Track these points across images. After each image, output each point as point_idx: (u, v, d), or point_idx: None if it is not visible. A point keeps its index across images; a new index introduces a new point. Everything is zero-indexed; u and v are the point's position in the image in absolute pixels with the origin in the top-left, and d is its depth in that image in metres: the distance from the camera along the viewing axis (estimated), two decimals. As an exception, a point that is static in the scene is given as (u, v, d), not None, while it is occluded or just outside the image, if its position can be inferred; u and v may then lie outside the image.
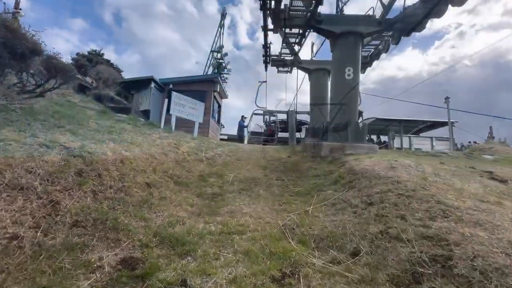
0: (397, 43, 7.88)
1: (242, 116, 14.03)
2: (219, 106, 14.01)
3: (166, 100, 6.04)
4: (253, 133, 16.67)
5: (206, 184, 3.99)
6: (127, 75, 16.87)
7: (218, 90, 12.10)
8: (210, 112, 11.57)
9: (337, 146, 5.76)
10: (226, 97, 14.48)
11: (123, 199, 2.69)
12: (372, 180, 3.38)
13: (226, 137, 14.81)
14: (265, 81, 18.57)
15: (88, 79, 9.26)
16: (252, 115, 17.41)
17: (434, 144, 15.88)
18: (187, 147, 5.31)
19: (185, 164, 4.47)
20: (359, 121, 7.99)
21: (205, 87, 11.81)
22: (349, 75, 6.09)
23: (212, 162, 5.12)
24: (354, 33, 6.67)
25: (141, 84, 10.98)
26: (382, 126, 17.35)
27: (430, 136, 16.50)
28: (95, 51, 15.14)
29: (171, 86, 11.53)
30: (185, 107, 6.31)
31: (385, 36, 8.47)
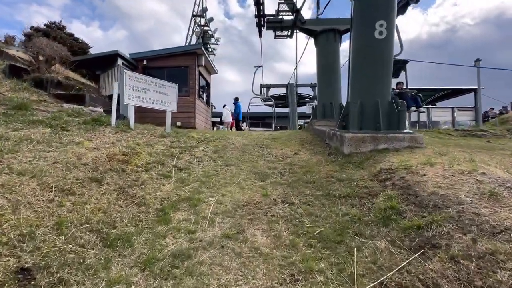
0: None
1: (236, 99, 12.05)
2: (207, 84, 12.01)
3: (116, 84, 4.19)
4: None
5: (165, 230, 2.39)
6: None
7: (203, 64, 10.05)
8: (196, 92, 9.68)
9: (365, 138, 4.09)
10: (215, 72, 12.40)
11: None
12: (471, 230, 1.77)
13: (219, 121, 13.07)
14: (261, 66, 17.11)
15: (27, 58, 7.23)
16: (249, 104, 16.80)
17: (455, 115, 14.13)
18: (147, 154, 3.64)
19: (135, 190, 2.84)
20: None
21: (187, 61, 9.76)
22: (381, 32, 4.19)
23: (185, 176, 3.48)
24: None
25: (107, 62, 8.94)
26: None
27: (450, 106, 14.68)
28: (53, 23, 12.67)
29: (145, 62, 9.50)
30: (147, 91, 4.50)
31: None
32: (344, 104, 7.71)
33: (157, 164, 3.51)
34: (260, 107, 20.02)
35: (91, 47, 13.51)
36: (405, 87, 8.01)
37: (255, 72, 17.35)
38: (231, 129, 11.82)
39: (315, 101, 21.97)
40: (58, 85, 6.31)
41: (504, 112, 15.85)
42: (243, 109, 13.92)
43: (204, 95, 11.52)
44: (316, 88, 21.46)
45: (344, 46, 29.31)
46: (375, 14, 4.22)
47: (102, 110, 5.87)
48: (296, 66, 16.33)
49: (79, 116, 4.20)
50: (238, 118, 13.04)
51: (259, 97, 16.32)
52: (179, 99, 9.81)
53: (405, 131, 4.22)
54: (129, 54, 9.44)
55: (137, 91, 4.33)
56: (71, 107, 5.04)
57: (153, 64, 9.78)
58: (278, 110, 23.82)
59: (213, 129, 11.95)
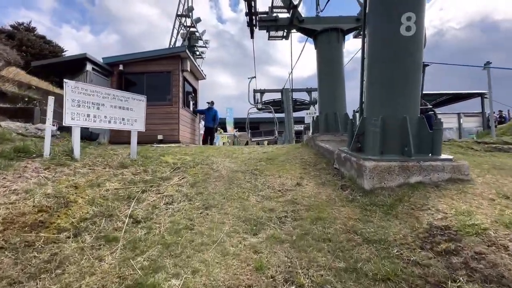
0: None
1: (210, 103, 10.70)
2: (195, 91, 10.94)
3: (52, 99, 3.07)
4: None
5: None
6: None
7: (188, 69, 8.99)
8: (180, 101, 8.60)
9: (392, 168, 3.07)
10: (203, 77, 11.36)
11: None
12: None
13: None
14: (254, 77, 17.24)
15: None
16: (248, 115, 17.47)
17: (461, 121, 13.41)
18: (87, 202, 2.53)
19: (42, 282, 1.73)
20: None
21: (169, 65, 8.70)
22: (408, 28, 3.22)
23: (142, 235, 2.38)
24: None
25: (75, 67, 7.78)
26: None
27: (456, 112, 13.96)
28: (21, 24, 11.43)
29: (121, 67, 8.39)
30: (102, 107, 3.39)
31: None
32: (350, 114, 6.76)
33: (99, 219, 2.41)
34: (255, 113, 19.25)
35: (65, 51, 12.32)
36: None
37: (249, 83, 17.36)
38: (203, 143, 10.49)
39: (312, 107, 21.16)
40: (1, 97, 5.15)
41: (501, 111, 15.19)
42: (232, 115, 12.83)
43: (191, 103, 10.44)
44: (311, 93, 20.68)
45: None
46: (401, 5, 3.25)
47: (56, 128, 4.72)
48: (291, 71, 15.42)
49: (3, 143, 3.07)
50: (213, 128, 10.89)
51: (255, 106, 16.22)
52: (161, 109, 8.72)
53: (443, 157, 3.23)
54: (102, 58, 8.32)
55: (85, 107, 3.24)
56: (8, 126, 3.89)
57: (130, 69, 8.68)
58: (271, 115, 22.96)
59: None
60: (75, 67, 7.72)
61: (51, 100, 2.99)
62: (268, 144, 21.12)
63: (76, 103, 3.12)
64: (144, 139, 8.29)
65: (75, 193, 2.54)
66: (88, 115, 3.25)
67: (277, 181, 3.90)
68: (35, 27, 11.64)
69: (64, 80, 3.04)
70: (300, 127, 31.01)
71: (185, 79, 9.40)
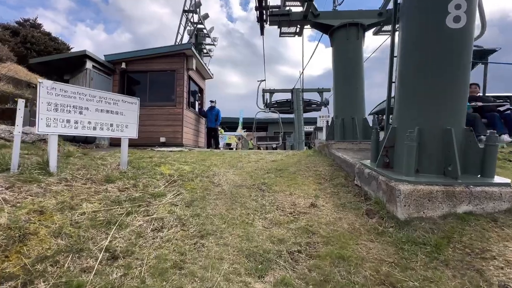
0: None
1: (214, 102, 10.16)
2: (200, 91, 10.49)
3: (22, 102, 2.62)
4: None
5: None
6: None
7: (194, 68, 8.53)
8: (184, 101, 8.15)
9: (433, 194, 2.47)
10: (210, 76, 10.90)
11: None
12: None
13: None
14: (264, 80, 17.08)
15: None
16: (255, 119, 17.65)
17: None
18: (52, 233, 2.06)
19: None
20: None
21: (174, 64, 8.26)
22: (457, 18, 2.59)
23: (116, 278, 1.88)
24: None
25: (75, 65, 7.46)
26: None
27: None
28: (27, 20, 11.27)
29: (123, 65, 8.02)
30: (86, 111, 2.93)
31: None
32: (369, 119, 6.11)
33: (65, 256, 1.92)
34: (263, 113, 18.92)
35: (71, 48, 12.10)
36: (480, 93, 5.36)
37: (258, 86, 17.28)
38: (208, 146, 10.01)
39: (323, 107, 20.42)
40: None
41: None
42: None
43: (196, 103, 10.00)
44: (323, 93, 19.92)
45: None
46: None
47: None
48: (302, 72, 14.77)
49: (-31, 153, 2.64)
50: (216, 130, 10.06)
51: (264, 111, 16.50)
52: (164, 110, 8.29)
53: (498, 180, 2.59)
54: (104, 55, 7.97)
55: (64, 111, 2.78)
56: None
57: (133, 67, 8.30)
58: (282, 115, 22.37)
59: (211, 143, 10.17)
60: (74, 65, 7.39)
61: (21, 103, 2.54)
62: (274, 148, 20.60)
63: (53, 107, 2.66)
64: (146, 142, 7.90)
65: (39, 220, 2.07)
66: (68, 121, 2.79)
67: (288, 200, 3.34)
68: (41, 24, 11.50)
69: (39, 79, 2.59)
70: (310, 128, 30.25)
71: (190, 78, 8.95)
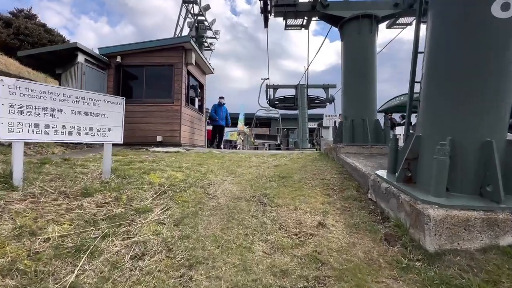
0: None
1: (220, 98, 9.96)
2: (201, 86, 10.05)
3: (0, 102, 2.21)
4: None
5: None
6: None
7: (193, 62, 8.07)
8: (182, 98, 7.74)
9: (471, 221, 2.04)
10: (211, 71, 10.43)
11: None
12: None
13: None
14: (268, 78, 16.87)
15: None
16: (255, 117, 17.67)
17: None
18: None
19: None
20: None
21: (172, 58, 7.81)
22: (506, 6, 2.11)
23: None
24: None
25: (67, 58, 7.05)
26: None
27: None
28: (21, 11, 10.84)
29: (118, 59, 7.60)
30: (58, 113, 2.52)
31: None
32: (380, 120, 5.63)
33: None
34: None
35: (66, 40, 11.67)
36: None
37: (261, 85, 17.20)
38: (211, 145, 9.73)
39: (328, 104, 19.85)
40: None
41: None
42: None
43: (196, 100, 9.57)
44: (328, 90, 19.32)
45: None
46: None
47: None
48: (307, 68, 14.23)
49: None
50: (216, 126, 9.72)
51: (265, 110, 16.70)
52: (161, 107, 7.88)
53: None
54: (98, 48, 7.54)
55: (31, 114, 2.37)
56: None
57: (129, 61, 7.87)
58: (284, 112, 21.90)
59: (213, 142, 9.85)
60: (66, 58, 6.98)
61: (2, 91, 2.14)
62: (278, 147, 20.19)
63: (17, 109, 2.26)
64: (142, 141, 7.52)
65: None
66: (37, 125, 2.39)
67: (292, 217, 2.93)
68: (36, 15, 11.07)
69: (1, 78, 2.19)
70: (314, 125, 29.67)
71: (189, 73, 8.51)
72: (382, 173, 3.26)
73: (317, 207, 3.15)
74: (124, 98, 3.11)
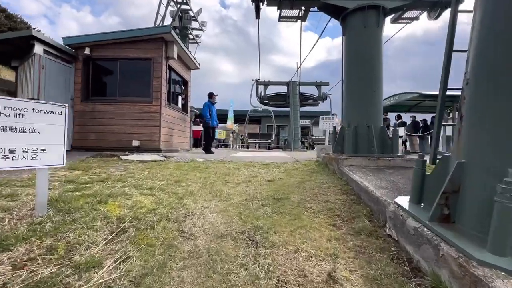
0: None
1: (211, 95, 8.52)
2: (185, 83, 9.18)
3: None
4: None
5: None
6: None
7: (174, 56, 7.19)
8: (162, 96, 6.89)
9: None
10: (196, 67, 9.55)
11: None
12: None
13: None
14: (259, 79, 16.61)
15: None
16: (248, 117, 18.17)
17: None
18: None
19: None
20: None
21: (150, 51, 6.91)
22: None
23: None
24: None
25: (22, 49, 6.00)
26: (429, 104, 12.93)
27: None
28: (-24, -7, 9.41)
29: (87, 51, 6.62)
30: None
31: None
32: (384, 124, 5.02)
33: None
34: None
35: (33, 28, 10.39)
36: None
37: (252, 86, 17.15)
38: (205, 149, 8.49)
39: (321, 102, 19.32)
40: None
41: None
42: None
43: (179, 98, 8.69)
44: (321, 87, 18.77)
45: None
46: None
47: None
48: (300, 65, 13.56)
49: None
50: (210, 127, 8.39)
51: (257, 109, 17.25)
52: (137, 107, 6.96)
53: None
54: (62, 38, 6.52)
55: None
56: None
57: (100, 53, 6.90)
58: (276, 109, 21.27)
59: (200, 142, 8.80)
60: (22, 48, 5.94)
61: None
62: (269, 146, 19.58)
63: None
64: (115, 146, 6.63)
65: None
66: None
67: (294, 265, 2.25)
68: (-4, -2, 9.66)
69: None
70: (306, 122, 29.22)
71: (171, 69, 7.62)
72: (403, 202, 2.62)
73: (324, 247, 2.48)
74: (67, 105, 2.29)
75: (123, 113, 6.73)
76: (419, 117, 13.69)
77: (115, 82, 6.90)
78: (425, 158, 2.52)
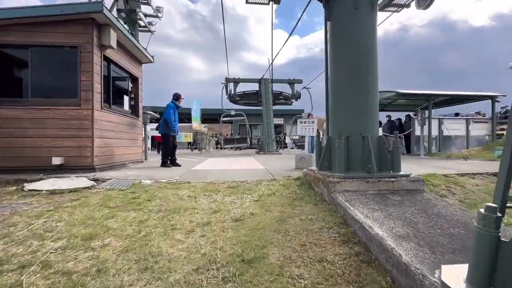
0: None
1: (179, 97, 6.91)
2: (134, 79, 7.52)
3: None
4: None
5: None
6: None
7: (112, 45, 5.57)
8: (94, 97, 5.27)
9: None
10: (149, 60, 7.92)
11: None
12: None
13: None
14: (227, 82, 16.27)
15: None
16: (221, 121, 17.84)
17: (470, 128, 11.74)
18: None
19: None
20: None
21: (74, 36, 5.23)
22: None
23: None
24: None
25: None
26: (402, 102, 12.68)
27: (464, 117, 12.25)
28: None
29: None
30: None
31: None
32: (384, 132, 4.02)
33: None
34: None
35: None
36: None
37: (222, 88, 16.35)
38: (171, 161, 6.84)
39: (294, 101, 18.53)
40: None
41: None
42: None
43: (126, 99, 7.02)
44: (294, 85, 17.97)
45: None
46: None
47: None
48: (272, 62, 12.50)
49: None
50: (171, 136, 6.76)
51: (230, 112, 16.92)
52: (59, 112, 4.94)
53: None
54: None
55: None
56: None
57: (2, 38, 5.03)
58: (245, 107, 20.22)
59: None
60: None
61: None
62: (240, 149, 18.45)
63: None
64: (27, 164, 4.88)
65: None
66: None
67: None
68: None
69: None
70: (279, 121, 28.45)
71: (110, 61, 5.97)
72: (455, 279, 1.56)
73: None
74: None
75: (40, 120, 4.98)
76: (394, 116, 13.48)
77: (26, 78, 5.08)
78: (499, 214, 1.47)
